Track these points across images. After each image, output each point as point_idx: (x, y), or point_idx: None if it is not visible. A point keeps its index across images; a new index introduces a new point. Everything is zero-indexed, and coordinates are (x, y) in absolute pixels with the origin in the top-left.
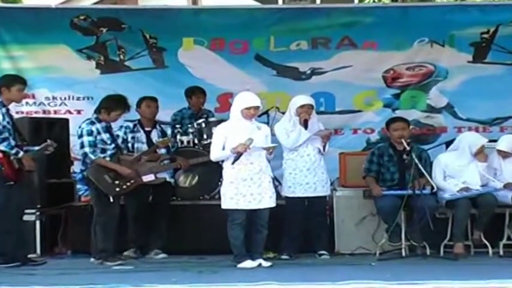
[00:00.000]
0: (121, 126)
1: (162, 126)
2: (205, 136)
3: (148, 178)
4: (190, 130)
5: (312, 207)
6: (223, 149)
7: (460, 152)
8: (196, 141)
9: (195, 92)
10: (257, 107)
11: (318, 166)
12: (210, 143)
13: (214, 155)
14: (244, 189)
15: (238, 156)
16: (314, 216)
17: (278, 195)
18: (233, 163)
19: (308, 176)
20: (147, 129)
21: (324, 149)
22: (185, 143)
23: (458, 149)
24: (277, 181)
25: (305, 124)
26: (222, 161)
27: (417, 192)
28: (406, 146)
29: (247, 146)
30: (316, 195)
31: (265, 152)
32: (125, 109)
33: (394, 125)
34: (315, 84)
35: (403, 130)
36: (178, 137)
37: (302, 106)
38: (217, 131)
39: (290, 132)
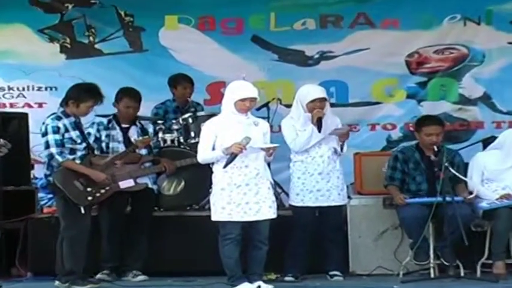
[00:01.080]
0: (93, 123)
1: (142, 122)
2: (192, 134)
3: (126, 184)
4: (175, 127)
5: (325, 219)
6: (213, 149)
7: (504, 152)
8: (182, 140)
9: (180, 81)
10: (254, 99)
11: (332, 169)
12: (198, 141)
13: (202, 156)
14: (238, 198)
15: (232, 158)
16: (327, 230)
17: (281, 205)
18: (225, 166)
19: (320, 182)
20: (124, 126)
21: (341, 149)
22: (169, 141)
23: (503, 148)
24: (279, 187)
25: (318, 124)
26: (212, 164)
27: (448, 199)
28: (435, 148)
29: (244, 146)
30: (329, 205)
31: (263, 153)
32: (97, 99)
33: (429, 128)
34: (324, 70)
35: (438, 136)
36: (160, 134)
37: (313, 101)
38: (206, 127)
39: (300, 132)
